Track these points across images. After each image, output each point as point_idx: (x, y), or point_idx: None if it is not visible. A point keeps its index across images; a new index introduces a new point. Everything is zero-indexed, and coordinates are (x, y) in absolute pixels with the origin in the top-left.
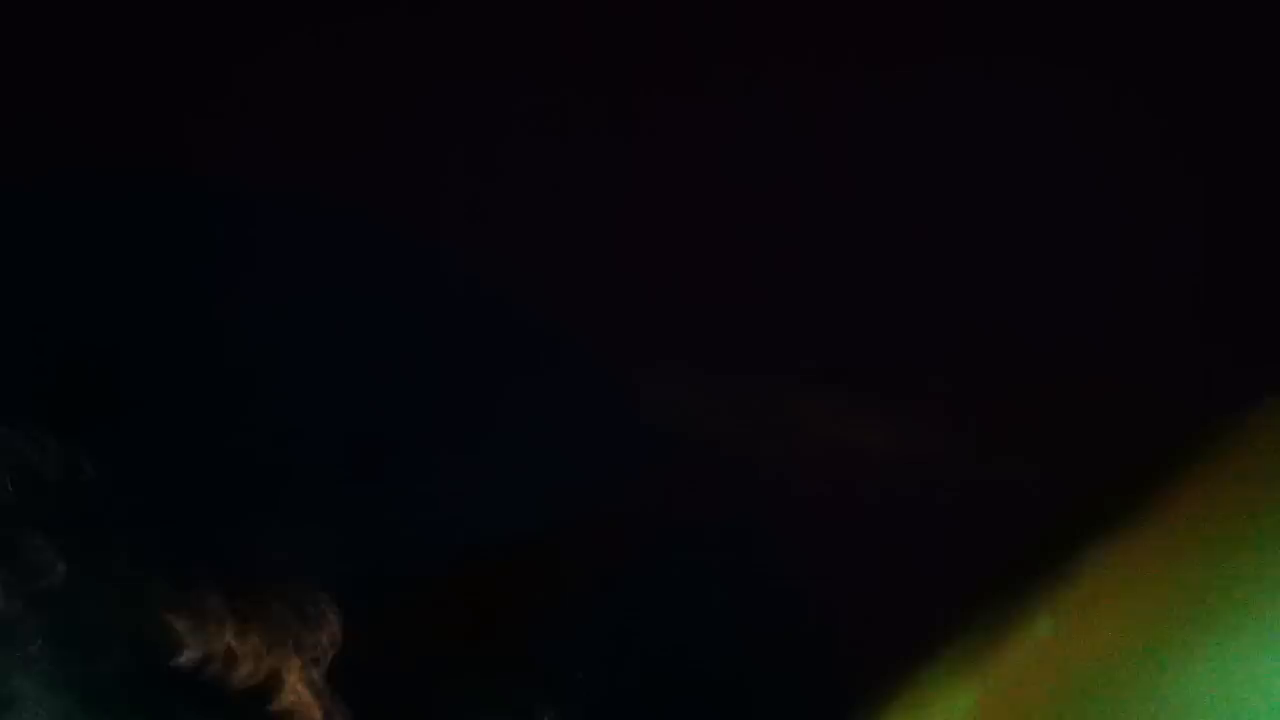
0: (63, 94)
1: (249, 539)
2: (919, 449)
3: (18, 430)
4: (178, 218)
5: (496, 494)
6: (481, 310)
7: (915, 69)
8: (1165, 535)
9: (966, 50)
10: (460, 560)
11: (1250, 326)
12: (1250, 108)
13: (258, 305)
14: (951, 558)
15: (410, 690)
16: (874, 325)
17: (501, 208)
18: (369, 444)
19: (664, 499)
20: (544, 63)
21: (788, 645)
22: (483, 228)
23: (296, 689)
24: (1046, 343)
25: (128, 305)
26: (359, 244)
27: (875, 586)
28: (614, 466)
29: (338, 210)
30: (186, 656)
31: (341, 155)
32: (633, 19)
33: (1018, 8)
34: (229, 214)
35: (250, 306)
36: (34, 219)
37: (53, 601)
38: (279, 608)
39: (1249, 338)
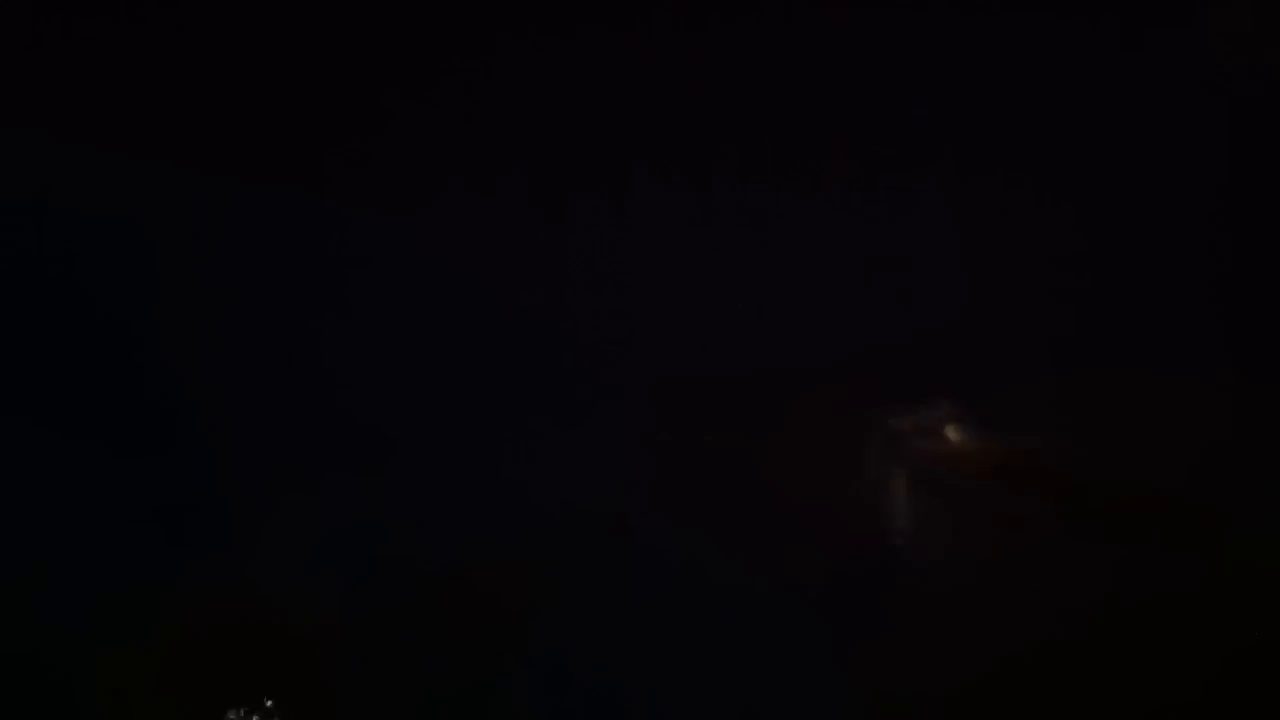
0: (64, 96)
1: (248, 537)
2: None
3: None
4: (179, 217)
5: (494, 497)
6: (483, 320)
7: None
8: None
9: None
10: (459, 561)
11: None
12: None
13: (261, 307)
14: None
15: (408, 689)
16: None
17: (501, 217)
18: (369, 444)
19: (659, 504)
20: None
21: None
22: (483, 235)
23: None
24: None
25: (129, 304)
26: (361, 250)
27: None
28: (609, 471)
29: (340, 212)
30: None
31: (353, 164)
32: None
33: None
34: (234, 215)
35: (253, 309)
36: (36, 221)
37: None
38: None
39: None
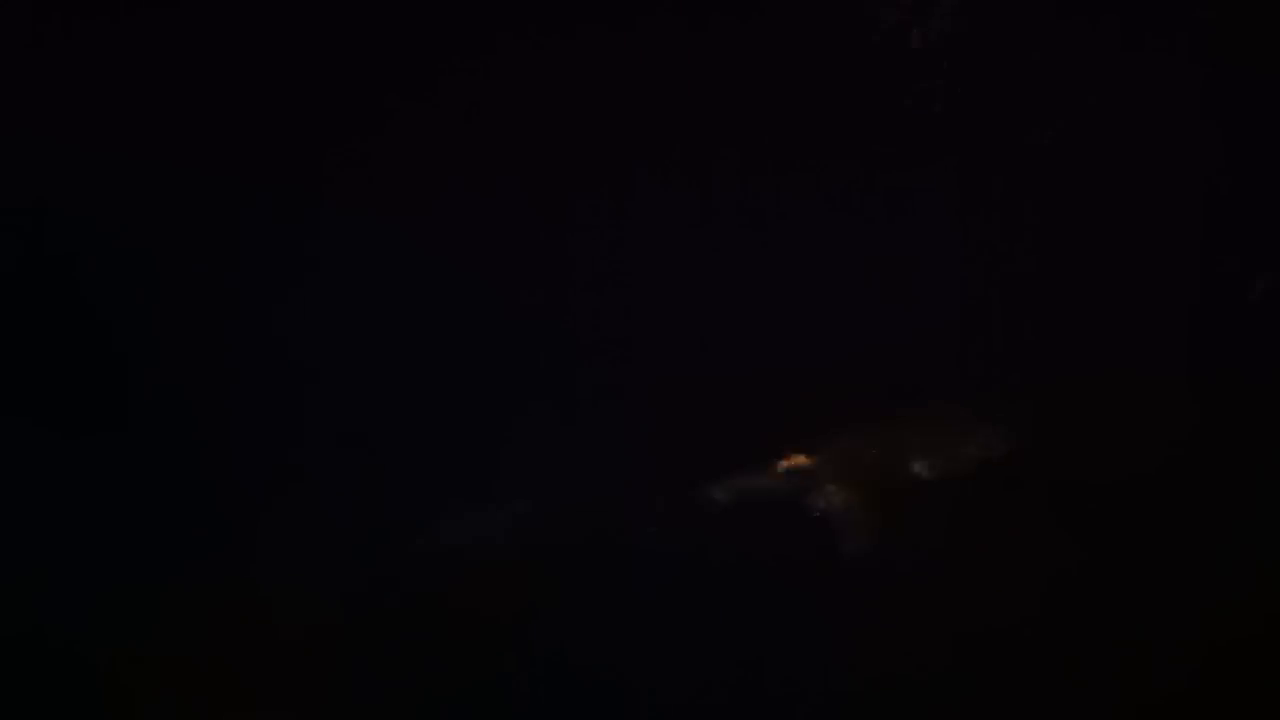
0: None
1: (249, 539)
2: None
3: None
4: (179, 217)
5: (493, 497)
6: (482, 320)
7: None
8: None
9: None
10: (459, 561)
11: None
12: None
13: (261, 307)
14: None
15: (408, 689)
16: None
17: (501, 217)
18: (368, 447)
19: (656, 507)
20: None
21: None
22: (483, 235)
23: None
24: None
25: (131, 303)
26: (361, 249)
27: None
28: (609, 475)
29: (340, 212)
30: None
31: (352, 163)
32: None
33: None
34: (233, 214)
35: (253, 308)
36: (35, 221)
37: None
38: None
39: None
